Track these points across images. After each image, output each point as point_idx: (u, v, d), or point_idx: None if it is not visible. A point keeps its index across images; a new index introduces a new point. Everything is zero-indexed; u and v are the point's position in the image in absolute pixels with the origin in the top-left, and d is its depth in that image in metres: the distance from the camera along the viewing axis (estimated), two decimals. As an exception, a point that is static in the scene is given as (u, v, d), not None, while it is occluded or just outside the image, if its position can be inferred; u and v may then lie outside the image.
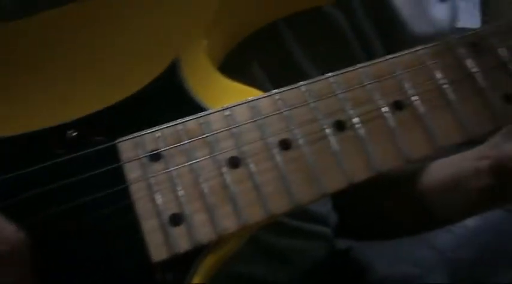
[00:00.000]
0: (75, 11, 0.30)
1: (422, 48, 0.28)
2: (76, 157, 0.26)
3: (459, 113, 0.27)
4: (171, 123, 0.26)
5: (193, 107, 0.27)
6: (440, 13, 0.46)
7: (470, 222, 0.48)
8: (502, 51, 0.28)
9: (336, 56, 0.39)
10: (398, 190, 0.45)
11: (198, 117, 0.26)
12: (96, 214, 0.24)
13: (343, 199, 0.46)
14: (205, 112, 0.26)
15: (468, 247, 0.77)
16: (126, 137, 0.26)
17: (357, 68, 0.28)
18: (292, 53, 0.38)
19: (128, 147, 0.26)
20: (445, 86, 0.27)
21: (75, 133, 0.26)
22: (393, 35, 0.43)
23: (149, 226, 0.24)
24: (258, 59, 0.37)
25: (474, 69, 0.28)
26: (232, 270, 0.33)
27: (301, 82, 0.27)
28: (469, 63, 0.28)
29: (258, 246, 0.38)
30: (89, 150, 0.26)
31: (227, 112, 0.26)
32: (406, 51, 0.28)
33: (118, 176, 0.25)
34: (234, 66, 0.34)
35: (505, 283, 0.73)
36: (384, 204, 0.46)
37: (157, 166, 0.25)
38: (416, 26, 0.44)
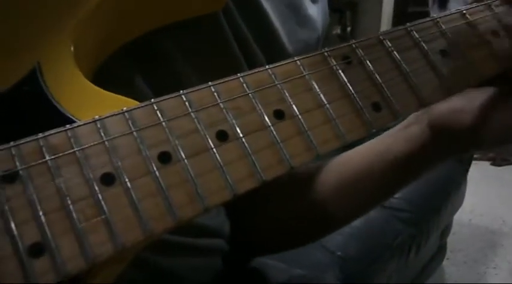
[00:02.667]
0: None
1: (299, 59, 0.29)
2: None
3: (335, 121, 0.28)
4: (30, 138, 0.22)
5: (58, 119, 0.24)
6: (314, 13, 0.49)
7: (356, 222, 0.51)
8: (368, 64, 0.30)
9: (219, 64, 0.38)
10: (292, 200, 0.46)
11: (65, 130, 0.23)
12: None
13: (236, 213, 0.46)
14: (74, 125, 0.23)
15: (355, 245, 0.82)
16: (-30, 155, 0.22)
17: (239, 77, 0.27)
18: (176, 64, 0.36)
19: (-26, 167, 0.22)
20: (321, 96, 0.28)
21: None
22: (271, 44, 0.44)
23: (2, 258, 0.20)
24: (140, 71, 0.34)
25: (346, 80, 0.29)
26: None
27: (182, 91, 0.26)
28: (341, 74, 0.29)
29: (148, 269, 0.35)
30: None
31: (99, 124, 0.24)
32: (285, 61, 0.29)
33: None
34: (116, 80, 0.31)
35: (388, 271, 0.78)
36: (279, 216, 0.46)
37: (13, 188, 0.22)
38: (291, 36, 0.45)
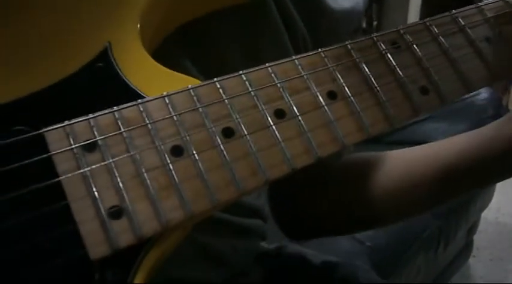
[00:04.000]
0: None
1: (349, 43, 0.30)
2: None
3: (384, 103, 0.29)
4: (106, 111, 0.24)
5: (128, 94, 0.26)
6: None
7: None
8: (416, 49, 0.31)
9: (267, 45, 0.39)
10: (342, 189, 0.46)
11: (136, 104, 0.25)
12: (24, 211, 0.22)
13: (279, 196, 0.47)
14: (145, 100, 0.25)
15: (384, 236, 0.83)
16: (54, 126, 0.23)
17: (293, 59, 0.28)
18: (223, 47, 0.38)
19: (57, 137, 0.23)
20: (371, 79, 0.29)
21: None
22: (315, 14, 0.43)
23: (85, 219, 0.22)
24: (189, 55, 0.36)
25: (394, 64, 0.30)
26: (169, 274, 0.32)
27: (242, 71, 0.27)
28: (390, 58, 0.30)
29: (195, 248, 0.37)
30: (8, 141, 0.23)
31: (167, 100, 0.25)
32: (336, 45, 0.30)
33: (47, 169, 0.23)
34: (165, 61, 0.33)
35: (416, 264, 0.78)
36: (321, 204, 0.47)
37: (93, 157, 0.23)
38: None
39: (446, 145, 0.43)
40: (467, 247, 1.22)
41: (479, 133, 0.41)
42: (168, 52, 0.34)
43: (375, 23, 2.62)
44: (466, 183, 0.42)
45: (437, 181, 0.42)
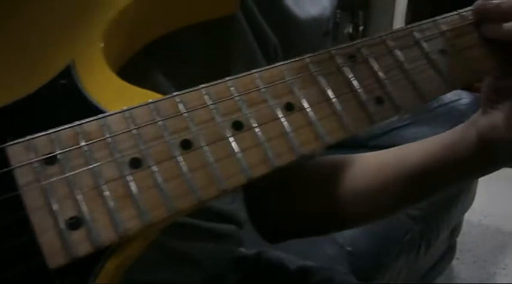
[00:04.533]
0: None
1: (308, 57, 0.31)
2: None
3: (341, 114, 0.30)
4: (67, 125, 0.25)
5: (91, 110, 0.27)
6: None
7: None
8: (372, 62, 0.32)
9: (236, 57, 0.40)
10: (312, 191, 0.47)
11: (97, 119, 0.26)
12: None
13: (253, 198, 0.48)
14: (105, 114, 0.26)
15: (365, 240, 0.84)
16: (16, 140, 0.24)
17: (252, 73, 0.30)
18: (194, 61, 0.39)
19: (18, 151, 0.24)
20: (328, 91, 0.31)
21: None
22: (283, 24, 0.45)
23: (44, 229, 0.23)
24: (161, 69, 0.37)
25: (351, 76, 0.32)
26: (139, 278, 0.33)
27: (202, 85, 0.28)
28: (347, 71, 0.32)
29: (165, 252, 0.38)
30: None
31: (127, 114, 0.26)
32: (294, 59, 0.31)
33: (8, 182, 0.24)
34: (137, 75, 0.34)
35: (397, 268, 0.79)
36: (293, 206, 0.48)
37: (53, 169, 0.24)
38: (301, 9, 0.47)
39: (416, 148, 0.44)
40: (451, 249, 1.23)
41: (446, 137, 0.42)
42: (139, 66, 0.35)
43: (361, 27, 2.65)
44: (433, 184, 0.44)
45: (406, 183, 0.43)
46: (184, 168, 0.26)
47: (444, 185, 0.44)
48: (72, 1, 0.30)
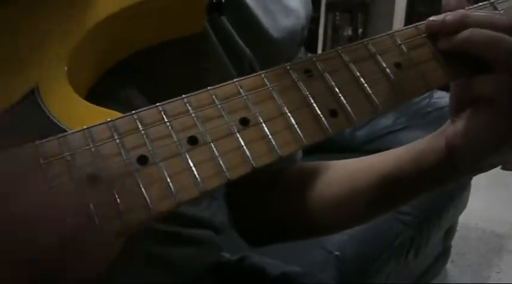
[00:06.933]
0: None
1: (264, 72, 0.33)
2: None
3: (295, 128, 0.32)
4: (28, 145, 0.27)
5: (55, 132, 0.28)
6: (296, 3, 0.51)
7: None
8: (327, 76, 0.34)
9: (210, 75, 0.42)
10: (287, 196, 0.49)
11: (56, 138, 0.27)
12: None
13: (234, 202, 0.49)
14: (66, 133, 0.28)
15: (354, 245, 0.85)
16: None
17: (207, 90, 0.31)
18: (166, 77, 0.40)
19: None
20: (282, 105, 0.32)
21: None
22: (256, 35, 0.46)
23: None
24: (135, 82, 0.38)
25: (306, 90, 0.33)
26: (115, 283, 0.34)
27: (159, 103, 0.30)
28: (302, 85, 0.33)
29: (139, 256, 0.39)
30: None
31: (87, 133, 0.28)
32: (251, 75, 0.33)
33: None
34: (110, 90, 0.35)
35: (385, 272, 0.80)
36: (271, 210, 0.49)
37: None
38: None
39: (385, 157, 0.45)
40: (445, 253, 1.24)
41: (415, 146, 0.44)
42: (113, 81, 0.36)
43: (360, 30, 2.67)
44: (403, 192, 0.45)
45: (375, 191, 0.45)
46: (140, 183, 0.28)
47: (413, 193, 0.45)
48: (38, 23, 0.32)
